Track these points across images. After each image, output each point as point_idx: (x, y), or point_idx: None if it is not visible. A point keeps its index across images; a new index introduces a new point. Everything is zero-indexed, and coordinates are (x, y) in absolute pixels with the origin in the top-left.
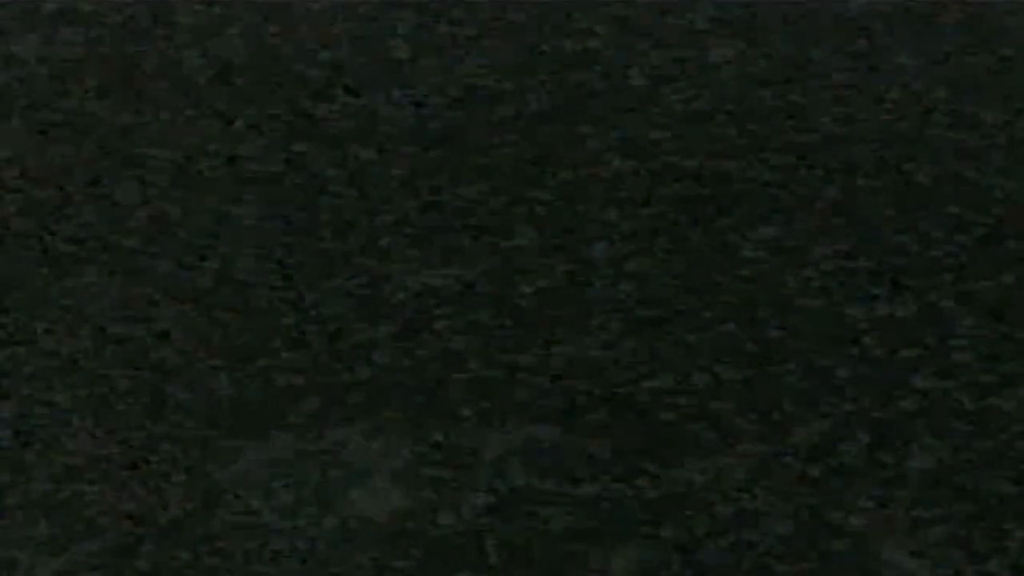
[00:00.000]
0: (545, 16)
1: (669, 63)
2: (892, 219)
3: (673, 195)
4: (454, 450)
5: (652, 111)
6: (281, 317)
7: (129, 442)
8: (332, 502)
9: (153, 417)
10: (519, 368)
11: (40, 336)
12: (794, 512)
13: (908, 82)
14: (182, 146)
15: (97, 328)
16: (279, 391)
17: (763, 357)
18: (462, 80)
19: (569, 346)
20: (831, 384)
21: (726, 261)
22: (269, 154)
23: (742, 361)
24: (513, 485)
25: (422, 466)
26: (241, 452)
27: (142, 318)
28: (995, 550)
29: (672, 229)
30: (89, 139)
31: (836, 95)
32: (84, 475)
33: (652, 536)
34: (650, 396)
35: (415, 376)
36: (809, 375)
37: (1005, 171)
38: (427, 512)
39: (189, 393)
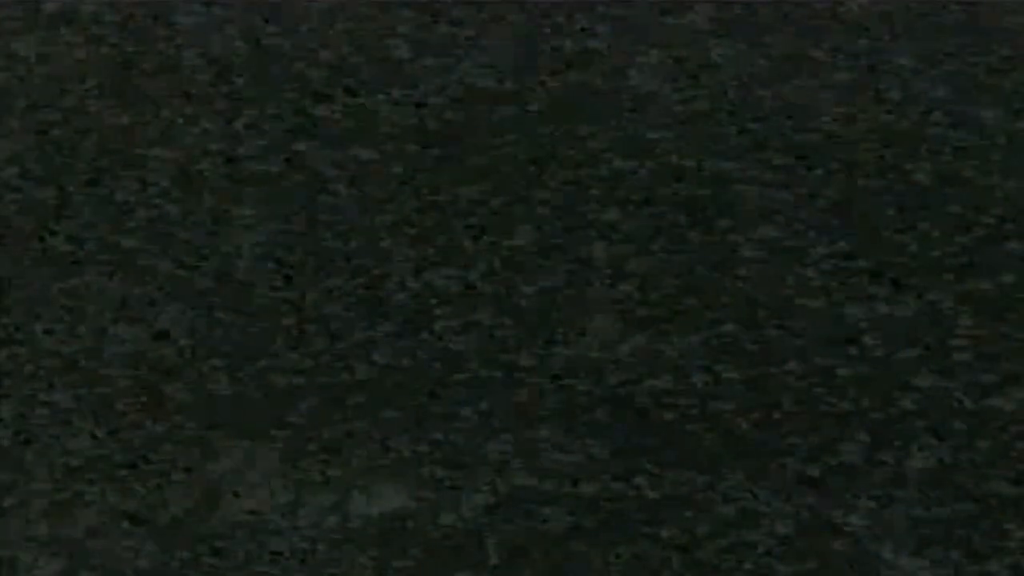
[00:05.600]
0: (545, 16)
1: (669, 63)
2: (892, 219)
3: (673, 195)
4: (454, 450)
5: (652, 111)
6: (281, 317)
7: (129, 442)
8: (332, 502)
9: (153, 417)
10: (519, 368)
11: (40, 336)
12: (794, 512)
13: (908, 82)
14: (182, 146)
15: (97, 328)
16: (279, 391)
17: (763, 357)
18: (462, 80)
19: (569, 346)
20: (831, 384)
21: (726, 261)
22: (269, 154)
23: (742, 361)
24: (513, 485)
25: (422, 466)
26: (241, 452)
27: (142, 318)
28: (995, 550)
29: (672, 229)
30: (89, 139)
31: (836, 95)
32: (84, 475)
33: (652, 536)
34: (650, 396)
35: (415, 376)
36: (809, 375)
37: (1005, 171)
38: (427, 512)
39: (189, 393)
